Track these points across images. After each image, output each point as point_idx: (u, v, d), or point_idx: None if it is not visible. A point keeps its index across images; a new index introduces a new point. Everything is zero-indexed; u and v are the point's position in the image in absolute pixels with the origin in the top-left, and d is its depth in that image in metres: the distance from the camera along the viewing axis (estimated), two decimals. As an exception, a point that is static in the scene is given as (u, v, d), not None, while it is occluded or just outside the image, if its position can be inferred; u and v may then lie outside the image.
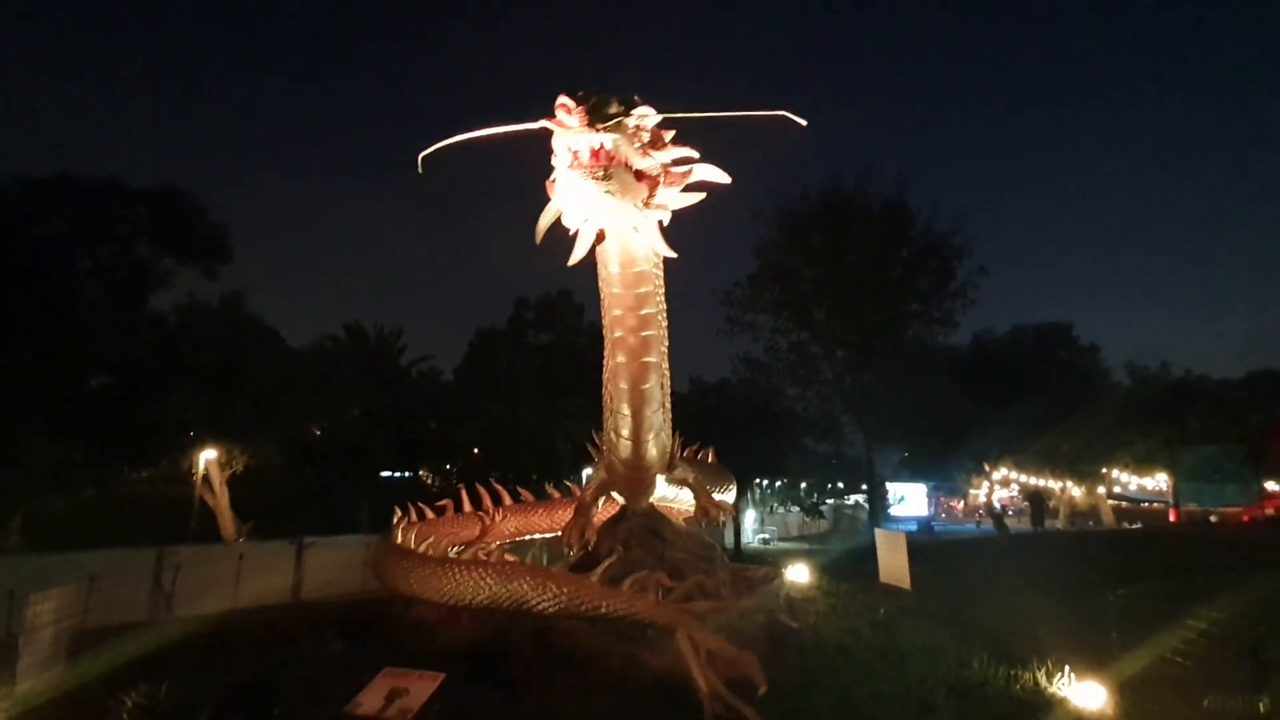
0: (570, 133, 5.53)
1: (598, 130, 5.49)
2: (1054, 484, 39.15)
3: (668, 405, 8.27)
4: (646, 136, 5.91)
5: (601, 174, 5.70)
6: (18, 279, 14.53)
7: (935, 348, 29.50)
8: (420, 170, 5.76)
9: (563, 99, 5.51)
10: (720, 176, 6.48)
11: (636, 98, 5.81)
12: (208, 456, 19.53)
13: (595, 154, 5.74)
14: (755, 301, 28.71)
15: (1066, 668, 8.05)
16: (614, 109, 5.57)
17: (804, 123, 5.96)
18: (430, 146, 5.69)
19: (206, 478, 20.16)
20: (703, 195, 6.50)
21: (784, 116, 6.01)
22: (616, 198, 5.92)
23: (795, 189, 28.14)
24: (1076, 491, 40.32)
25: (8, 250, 14.55)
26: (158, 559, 13.33)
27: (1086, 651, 8.33)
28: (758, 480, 34.44)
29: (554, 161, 6.02)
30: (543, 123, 5.60)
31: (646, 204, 6.23)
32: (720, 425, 22.17)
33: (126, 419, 16.90)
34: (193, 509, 19.76)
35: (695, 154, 6.24)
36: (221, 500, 20.80)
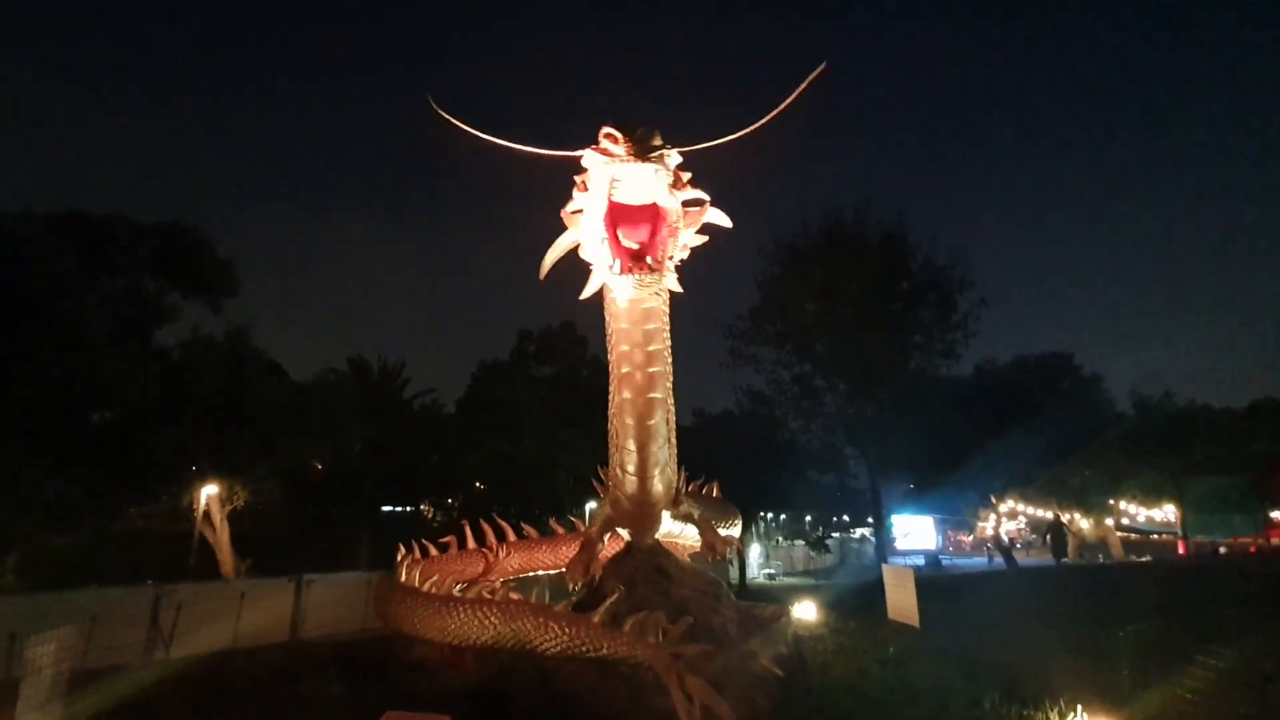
0: (615, 162, 5.67)
1: (645, 160, 5.65)
2: (1062, 516, 38.72)
3: (673, 440, 8.26)
4: (670, 177, 6.09)
5: (657, 280, 6.12)
6: (25, 313, 14.68)
7: (938, 379, 29.52)
8: (431, 104, 5.79)
9: (609, 129, 5.69)
10: (723, 220, 6.66)
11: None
12: (209, 492, 19.44)
13: (647, 261, 6.05)
14: (757, 334, 28.89)
15: (1079, 706, 7.89)
16: (657, 142, 5.76)
17: (823, 65, 6.25)
18: (459, 123, 5.78)
19: (207, 513, 20.04)
20: (706, 237, 6.66)
21: (814, 80, 6.22)
22: (654, 289, 6.24)
23: (795, 222, 28.60)
24: (1085, 524, 39.82)
25: (16, 285, 14.72)
26: (156, 597, 13.18)
27: (1098, 689, 8.16)
28: (762, 514, 34.14)
29: (586, 189, 6.19)
30: (588, 151, 5.79)
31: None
32: (724, 458, 22.08)
33: (128, 453, 16.90)
34: (192, 545, 19.60)
35: (707, 197, 6.45)
36: (221, 536, 20.65)
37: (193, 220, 19.81)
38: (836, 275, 26.32)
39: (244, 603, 14.16)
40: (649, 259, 6.13)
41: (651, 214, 6.26)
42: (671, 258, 6.40)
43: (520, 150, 5.91)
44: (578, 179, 6.46)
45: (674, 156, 5.99)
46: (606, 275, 6.42)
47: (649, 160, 5.67)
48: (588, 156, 5.85)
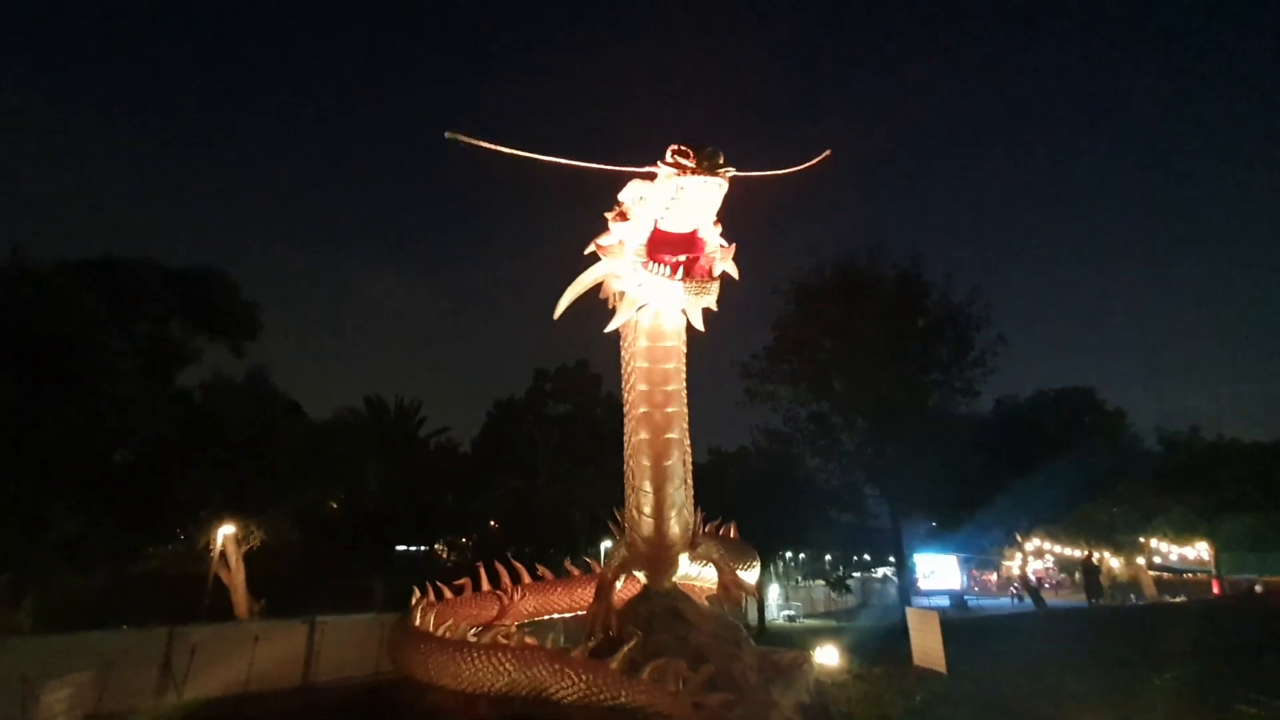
0: (686, 174, 5.87)
1: (716, 175, 5.87)
2: (1093, 555, 37.62)
3: (690, 481, 8.18)
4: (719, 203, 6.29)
5: (711, 287, 6.31)
6: (54, 358, 15.02)
7: (958, 416, 29.15)
8: (447, 137, 5.87)
9: (680, 146, 5.94)
10: (732, 270, 6.79)
11: None
12: (225, 532, 19.46)
13: (705, 270, 6.31)
14: (773, 372, 28.83)
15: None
16: (722, 160, 5.97)
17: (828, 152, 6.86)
18: (480, 143, 5.89)
19: (223, 554, 20.02)
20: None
21: (824, 161, 6.58)
22: (707, 296, 6.41)
23: (809, 261, 28.76)
24: (1115, 562, 38.58)
25: (47, 331, 15.10)
26: (169, 639, 13.12)
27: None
28: (781, 553, 33.48)
29: (626, 219, 6.41)
30: (662, 166, 5.98)
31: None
32: (740, 497, 21.81)
33: (148, 494, 17.01)
34: (207, 586, 19.55)
35: (729, 246, 6.71)
36: (237, 576, 20.58)
37: (217, 264, 20.11)
38: (851, 314, 26.31)
39: (257, 645, 14.04)
40: (701, 263, 6.40)
41: (690, 242, 6.50)
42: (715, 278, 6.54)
43: (555, 163, 6.06)
44: (610, 216, 6.60)
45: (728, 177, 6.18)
46: (656, 288, 6.56)
47: (718, 174, 5.88)
48: (660, 170, 6.05)
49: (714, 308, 6.71)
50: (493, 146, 5.80)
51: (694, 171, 5.84)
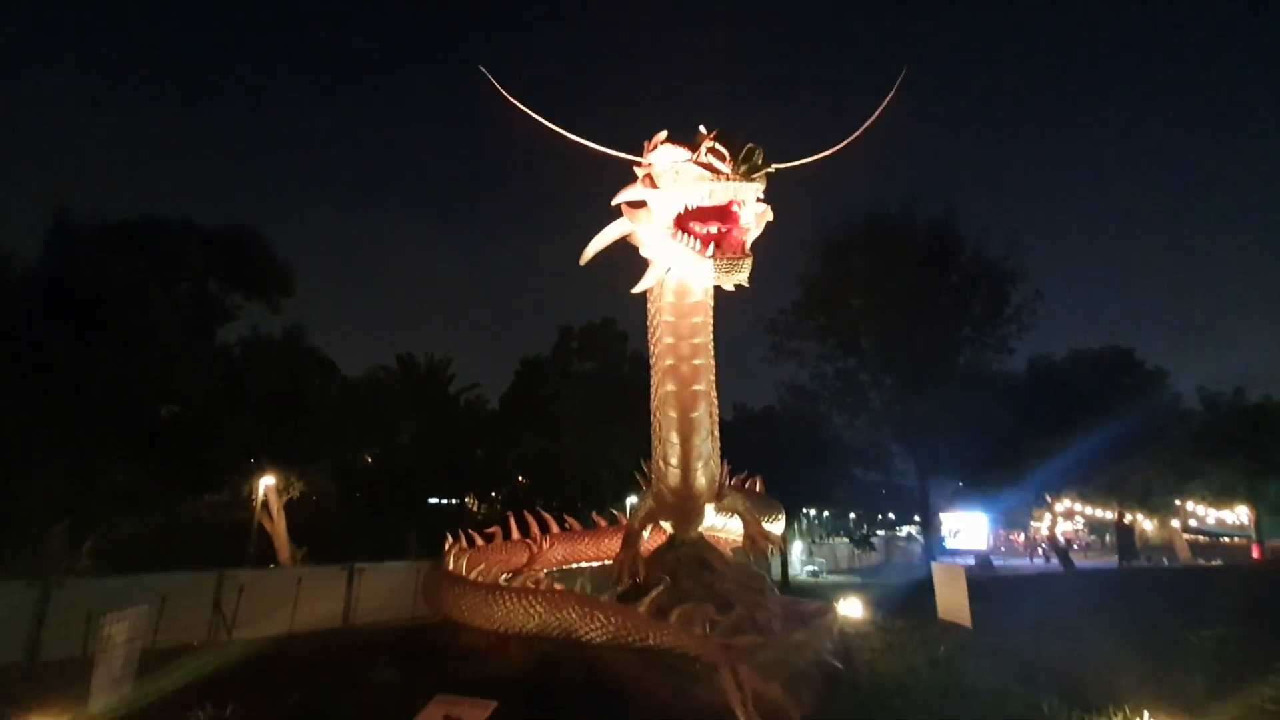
0: (720, 179, 5.52)
1: (750, 182, 5.51)
2: (1126, 516, 37.11)
3: (716, 433, 8.22)
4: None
5: (744, 264, 5.90)
6: (102, 315, 15.54)
7: (989, 374, 28.55)
8: (485, 73, 5.71)
9: (715, 144, 5.55)
10: (768, 215, 6.56)
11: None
12: (267, 483, 20.22)
13: (740, 244, 5.87)
14: (800, 329, 28.42)
15: (1145, 713, 7.54)
16: (761, 160, 5.58)
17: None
18: (514, 100, 5.73)
19: (265, 503, 20.86)
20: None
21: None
22: (740, 274, 6.04)
23: (839, 214, 28.02)
24: (1148, 525, 38.02)
25: (93, 290, 15.60)
26: (218, 582, 13.82)
27: (1167, 697, 7.77)
28: (805, 510, 33.68)
29: (654, 183, 6.10)
30: (699, 165, 5.61)
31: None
32: (766, 453, 21.87)
33: (194, 446, 17.71)
34: (251, 534, 20.45)
35: (767, 206, 6.33)
36: (279, 525, 21.46)
37: (252, 224, 20.42)
38: (882, 269, 25.69)
39: (300, 589, 14.71)
40: (734, 241, 5.96)
41: (723, 213, 6.08)
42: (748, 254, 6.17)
43: (586, 146, 5.88)
44: (640, 170, 6.40)
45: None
46: (685, 261, 6.22)
47: (753, 180, 5.51)
48: (686, 169, 5.66)
49: (746, 284, 6.30)
50: (516, 103, 5.69)
51: (729, 177, 5.43)
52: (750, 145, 5.53)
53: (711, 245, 5.87)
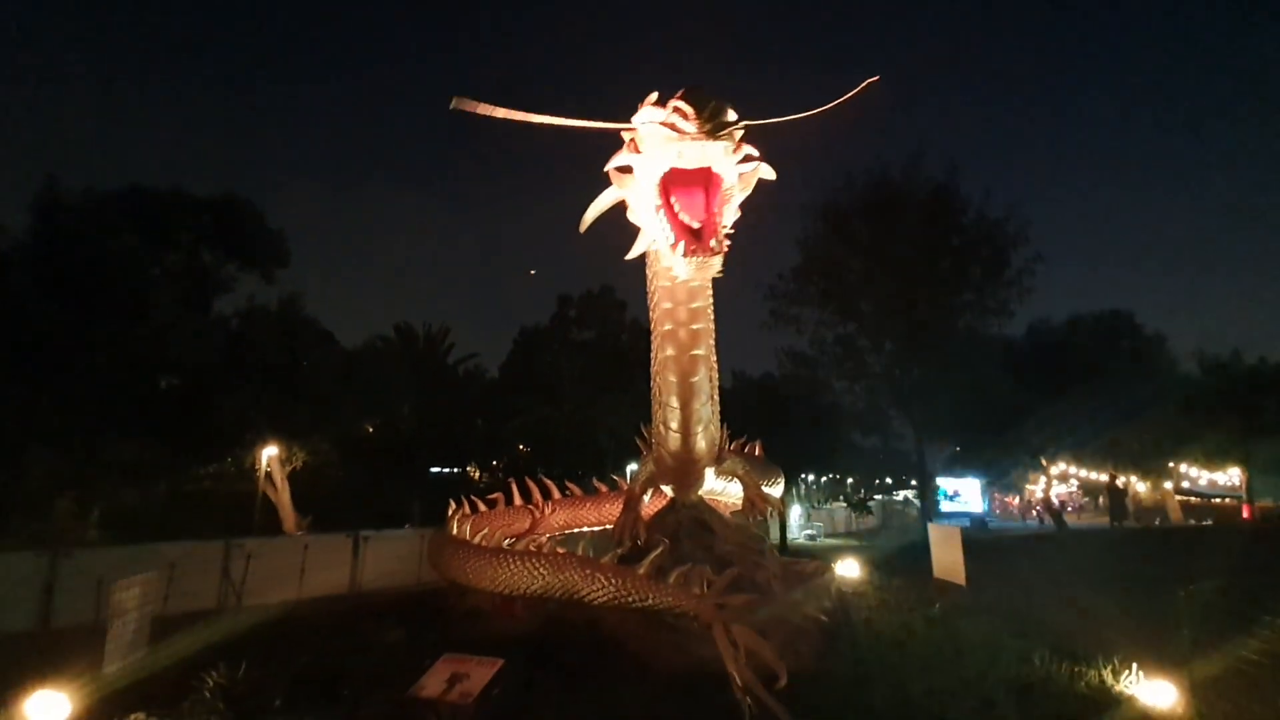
0: (684, 139, 5.41)
1: (715, 139, 5.38)
2: (1119, 479, 37.58)
3: (716, 398, 8.26)
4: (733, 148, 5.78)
5: (714, 262, 5.80)
6: (96, 287, 15.46)
7: (989, 339, 28.62)
8: (453, 106, 5.60)
9: (680, 103, 5.42)
10: (768, 173, 6.43)
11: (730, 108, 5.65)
12: (270, 453, 20.37)
13: (710, 244, 5.74)
14: (799, 294, 28.40)
15: (1134, 665, 7.75)
16: (729, 117, 5.46)
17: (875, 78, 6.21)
18: (484, 108, 5.57)
19: (269, 474, 21.05)
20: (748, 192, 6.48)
21: (869, 87, 6.10)
22: (712, 271, 5.98)
23: (839, 177, 27.76)
24: (1141, 487, 38.53)
25: (86, 260, 15.48)
26: (226, 550, 14.01)
27: (1154, 650, 7.98)
28: (803, 475, 34.07)
29: (637, 149, 5.98)
30: (661, 125, 5.48)
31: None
32: (764, 420, 22.02)
33: (195, 418, 17.80)
34: (256, 504, 20.68)
35: (756, 153, 6.10)
36: (283, 495, 21.70)
37: (244, 194, 20.19)
38: (883, 233, 25.54)
39: (307, 556, 14.91)
40: (711, 241, 5.82)
41: (706, 178, 5.94)
42: (730, 232, 6.09)
43: (563, 125, 5.71)
44: (626, 135, 6.30)
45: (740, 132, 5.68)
46: (665, 250, 6.21)
47: (719, 139, 5.39)
48: (654, 130, 5.54)
49: (719, 274, 6.22)
50: (495, 111, 5.53)
51: (694, 137, 5.31)
52: (714, 102, 5.40)
53: (683, 243, 5.80)
